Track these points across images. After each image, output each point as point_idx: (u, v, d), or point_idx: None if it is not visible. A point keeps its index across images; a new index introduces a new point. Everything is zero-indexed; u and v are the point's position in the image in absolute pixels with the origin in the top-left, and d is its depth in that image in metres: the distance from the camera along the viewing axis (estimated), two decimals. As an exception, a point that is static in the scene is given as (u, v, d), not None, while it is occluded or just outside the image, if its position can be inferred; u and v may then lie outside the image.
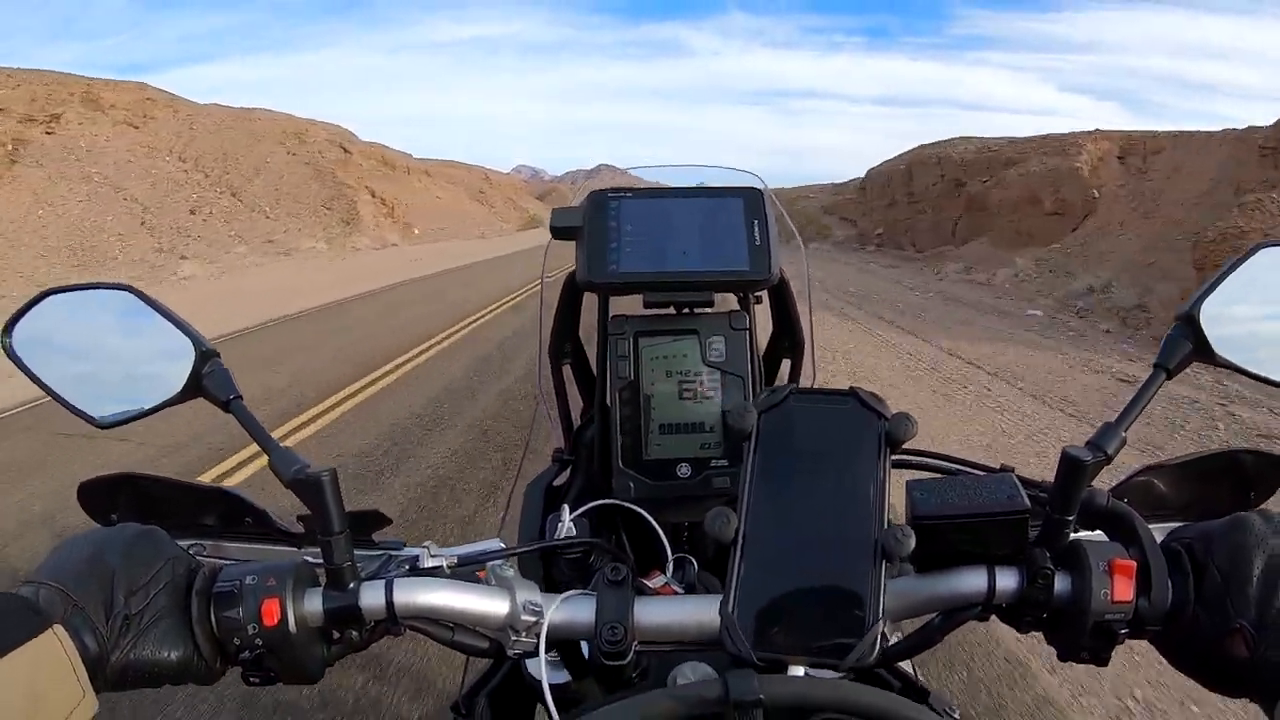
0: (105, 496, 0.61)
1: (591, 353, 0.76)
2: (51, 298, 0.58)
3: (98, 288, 0.58)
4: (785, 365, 0.85)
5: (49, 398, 0.55)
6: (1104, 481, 0.54)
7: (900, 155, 25.70)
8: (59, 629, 0.41)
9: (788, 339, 0.82)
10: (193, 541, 0.61)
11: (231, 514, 0.62)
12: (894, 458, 0.51)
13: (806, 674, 0.42)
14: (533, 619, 0.52)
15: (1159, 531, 0.52)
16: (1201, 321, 0.53)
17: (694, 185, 0.68)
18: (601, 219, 0.65)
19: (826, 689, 0.36)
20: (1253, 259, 0.56)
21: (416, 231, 31.22)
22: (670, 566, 0.61)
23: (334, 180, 25.85)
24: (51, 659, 0.40)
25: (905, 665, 0.65)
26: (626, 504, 0.65)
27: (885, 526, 0.45)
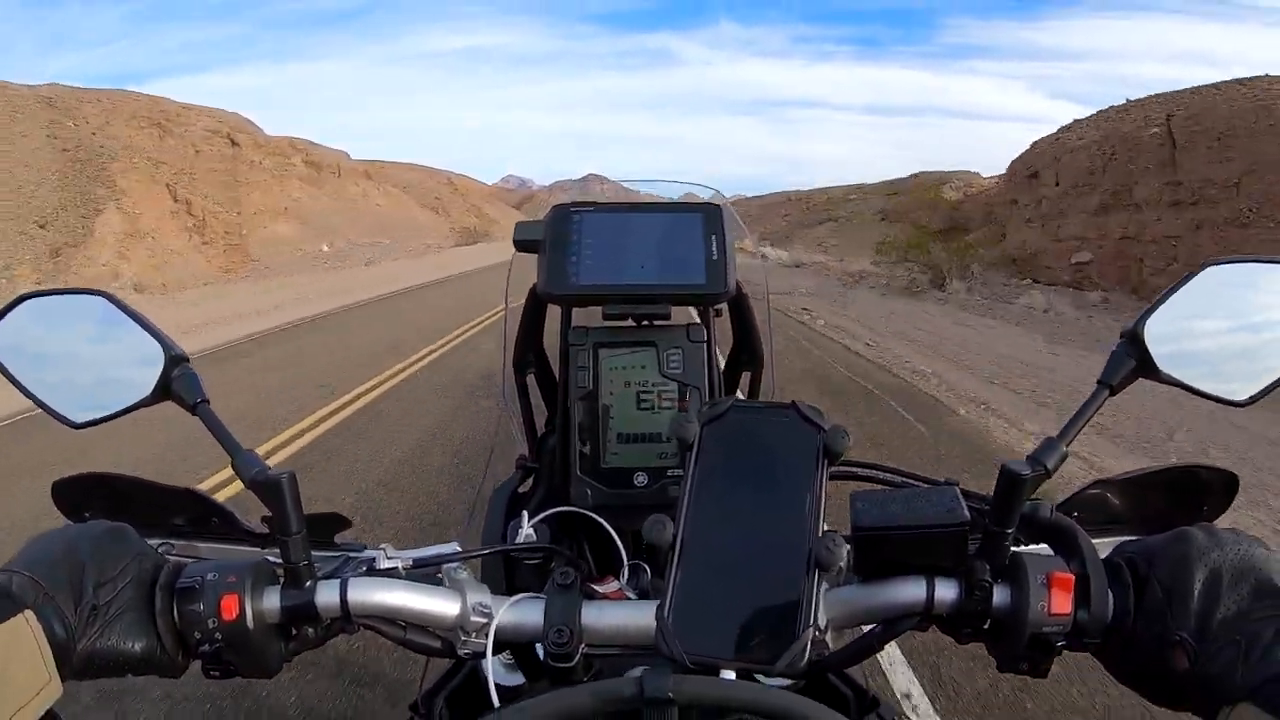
0: (78, 495, 0.62)
1: (556, 363, 0.78)
2: (28, 302, 0.60)
3: (73, 293, 0.60)
4: (746, 378, 0.86)
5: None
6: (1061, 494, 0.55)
7: (1086, 120, 15.65)
8: (29, 615, 0.43)
9: (747, 353, 0.83)
10: (161, 540, 0.63)
11: (199, 514, 0.63)
12: (841, 470, 0.52)
13: (727, 678, 0.43)
14: (483, 620, 0.53)
15: (1109, 545, 0.52)
16: (1145, 339, 0.54)
17: (657, 201, 0.69)
18: (563, 232, 0.66)
19: (737, 690, 0.37)
20: (1199, 276, 0.57)
21: (326, 248, 25.94)
22: (625, 573, 0.62)
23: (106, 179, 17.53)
24: (20, 643, 0.42)
25: (855, 673, 0.66)
26: (584, 511, 0.66)
27: (820, 536, 0.46)
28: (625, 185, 0.84)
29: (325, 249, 26.61)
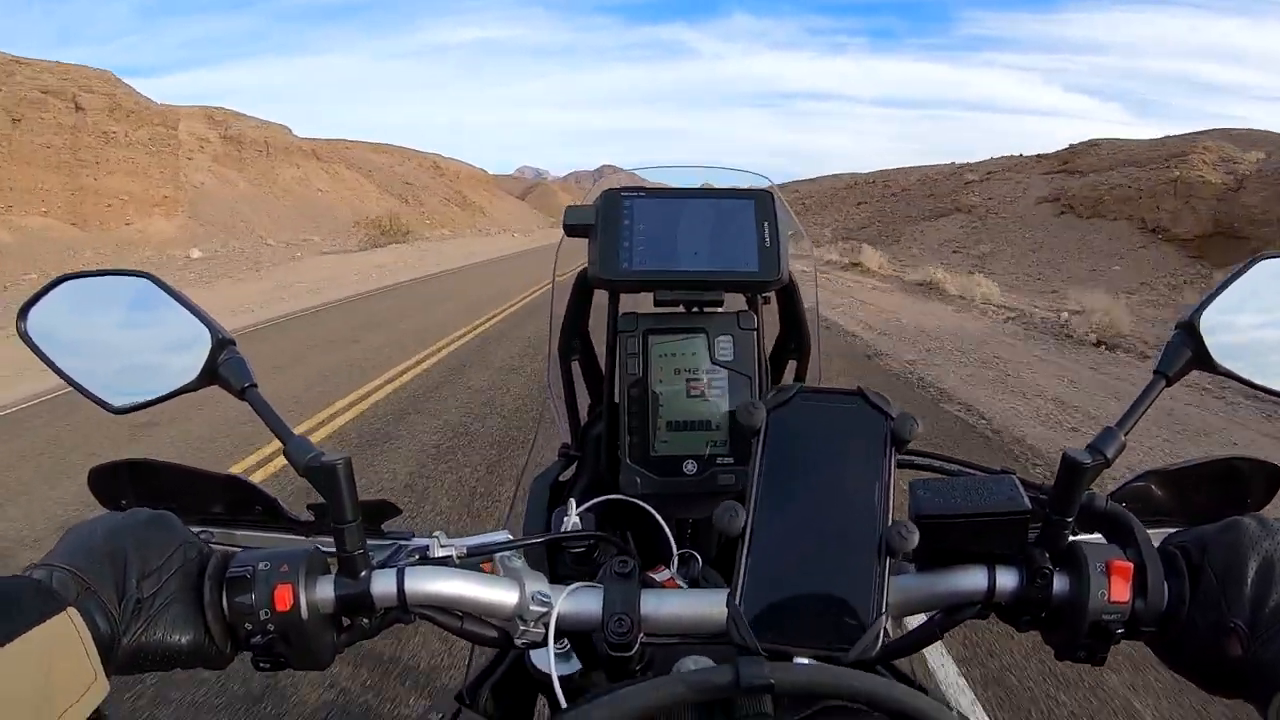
0: (116, 482, 0.61)
1: (600, 350, 0.77)
2: (67, 284, 0.58)
3: (115, 274, 0.59)
4: (791, 367, 0.86)
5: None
6: (1102, 488, 0.55)
7: None
8: (72, 612, 0.42)
9: (794, 340, 0.83)
10: (202, 529, 0.62)
11: (241, 502, 0.62)
12: (899, 458, 0.51)
13: (817, 664, 0.42)
14: (541, 609, 0.53)
15: (1155, 536, 0.53)
16: (1201, 330, 0.54)
17: (704, 186, 0.69)
18: (614, 217, 0.66)
19: (834, 677, 0.37)
20: (1253, 269, 0.57)
21: (197, 253, 18.79)
22: (675, 562, 0.62)
23: None
24: (64, 641, 0.41)
25: (903, 663, 0.66)
26: (633, 499, 0.66)
27: (889, 523, 0.46)
28: (653, 175, 0.81)
29: (195, 254, 19.55)
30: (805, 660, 0.43)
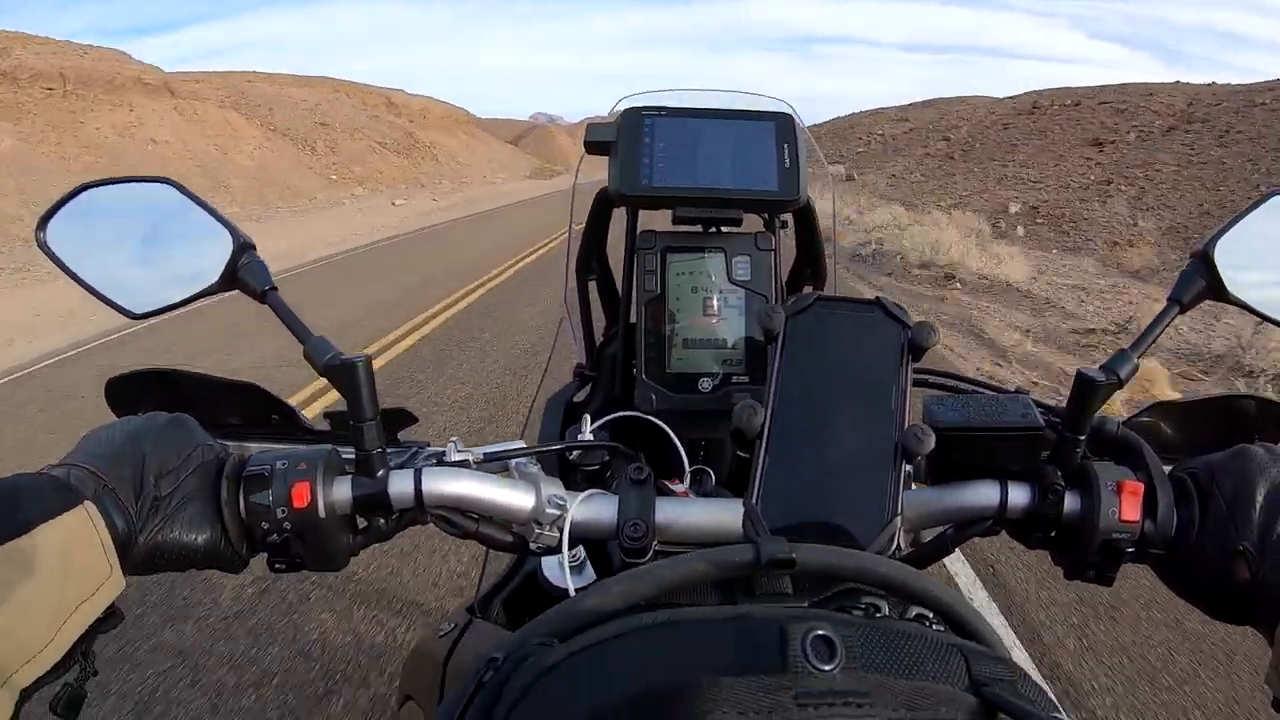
0: (134, 392, 0.61)
1: (617, 271, 0.77)
2: (88, 192, 0.58)
3: (136, 181, 0.59)
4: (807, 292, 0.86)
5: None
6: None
7: None
8: (89, 506, 0.42)
9: (811, 266, 0.83)
10: (219, 440, 0.62)
11: (258, 410, 0.62)
12: (914, 375, 0.52)
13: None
14: (557, 513, 0.53)
15: (1165, 466, 0.54)
16: (1216, 260, 0.54)
17: (728, 109, 0.68)
18: (635, 134, 0.66)
19: (856, 560, 0.37)
20: (1269, 202, 0.58)
21: None
22: (688, 478, 0.63)
23: None
24: (82, 534, 0.41)
25: None
26: (647, 415, 0.66)
27: (906, 427, 0.46)
28: (690, 93, 0.80)
29: None
30: None
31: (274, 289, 0.55)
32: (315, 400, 4.17)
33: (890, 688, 0.28)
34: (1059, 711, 0.31)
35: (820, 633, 0.29)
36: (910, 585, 0.37)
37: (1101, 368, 0.51)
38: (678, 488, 0.60)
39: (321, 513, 0.49)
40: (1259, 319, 0.57)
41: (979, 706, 0.29)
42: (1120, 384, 0.51)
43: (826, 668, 0.28)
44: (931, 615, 0.38)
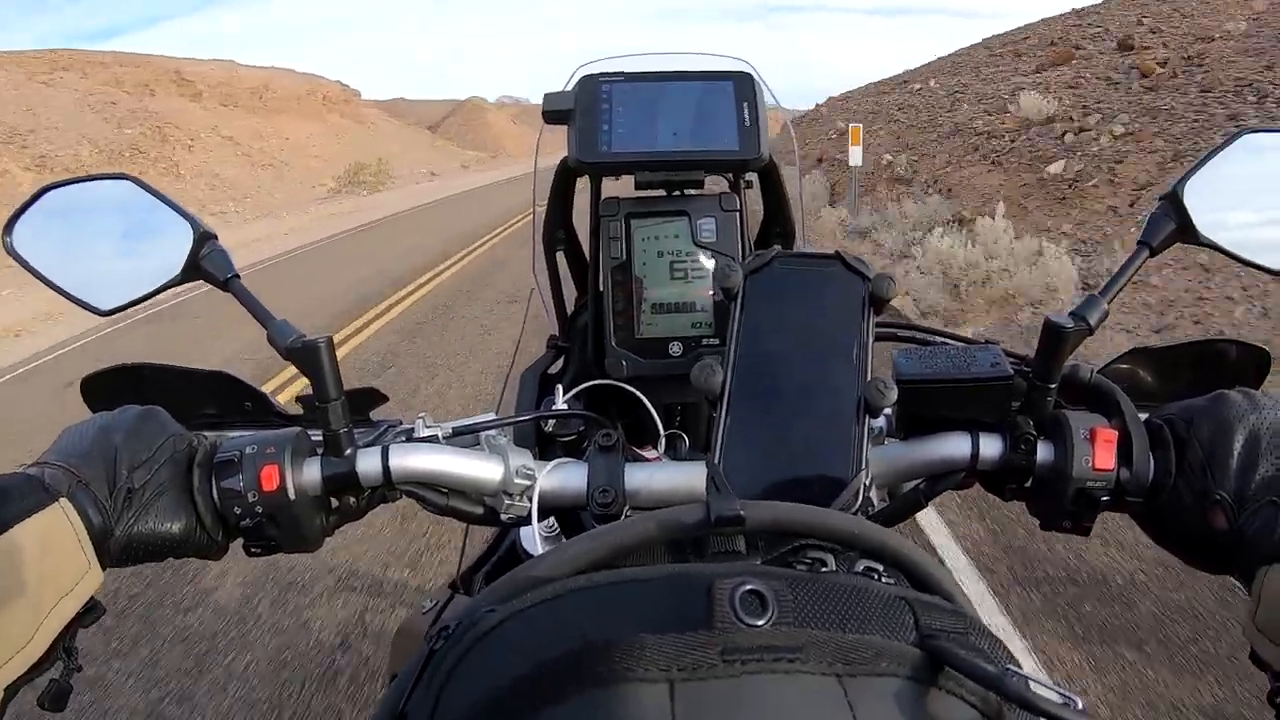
0: (108, 389, 0.62)
1: (585, 240, 0.77)
2: (50, 194, 0.59)
3: (96, 179, 0.59)
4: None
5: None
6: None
7: None
8: (65, 503, 0.43)
9: (778, 226, 0.82)
10: (194, 431, 0.62)
11: (231, 398, 0.63)
12: (882, 330, 0.52)
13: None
14: (526, 483, 0.53)
15: (1142, 413, 0.53)
16: (1185, 201, 0.54)
17: (686, 71, 0.67)
18: (592, 101, 0.65)
19: (808, 514, 0.37)
20: (1237, 142, 0.57)
21: None
22: (662, 444, 0.63)
23: None
24: (58, 531, 0.42)
25: None
26: (619, 383, 0.66)
27: (868, 380, 0.46)
28: (648, 58, 0.78)
29: None
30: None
31: (236, 276, 0.55)
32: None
33: (826, 641, 0.28)
34: (1012, 663, 0.30)
35: (750, 588, 0.29)
36: (862, 538, 0.37)
37: (1070, 314, 0.51)
38: (651, 454, 0.60)
39: (291, 494, 0.49)
40: (1231, 259, 0.57)
41: (923, 659, 0.28)
42: (1090, 330, 0.51)
43: (758, 623, 0.28)
44: (882, 569, 0.37)
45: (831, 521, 0.37)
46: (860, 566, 0.38)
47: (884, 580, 0.36)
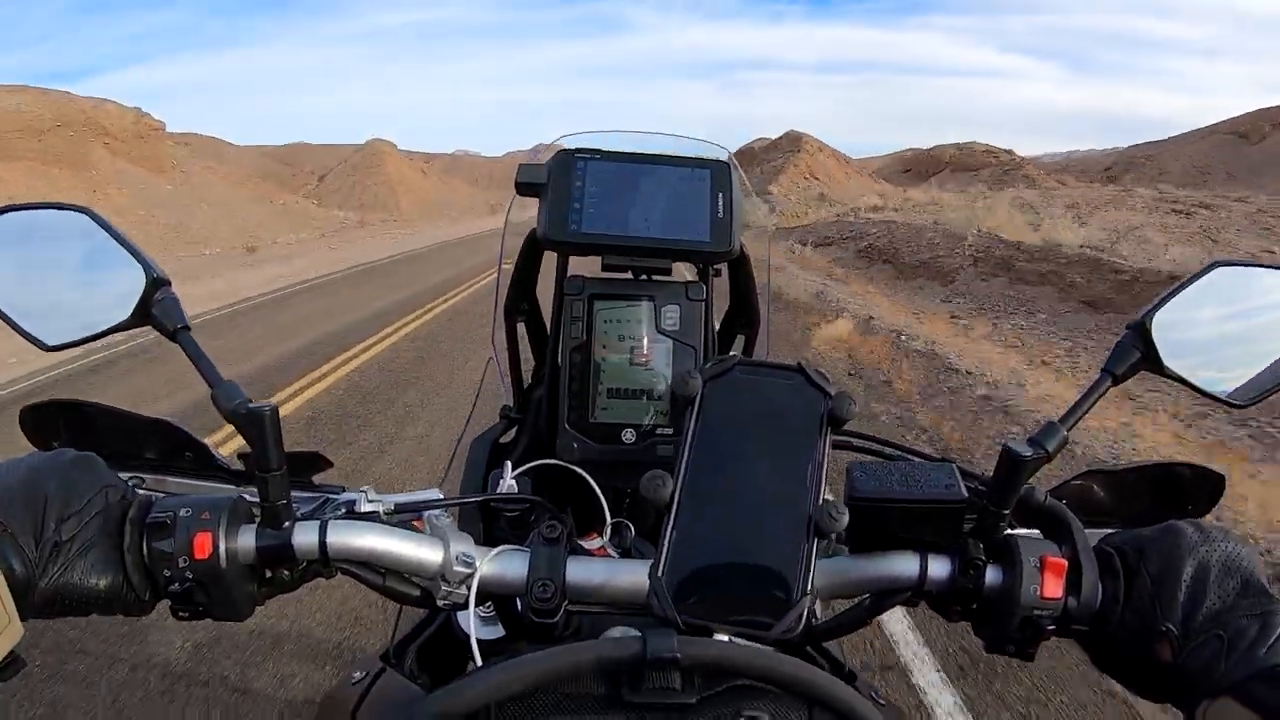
0: (47, 422, 0.60)
1: (548, 312, 0.76)
2: (6, 216, 0.57)
3: (53, 207, 0.57)
4: (740, 341, 0.86)
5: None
6: (1043, 485, 0.55)
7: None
8: None
9: (743, 316, 0.82)
10: (132, 475, 0.60)
11: (173, 447, 0.61)
12: (838, 439, 0.51)
13: (731, 641, 0.42)
14: (465, 570, 0.52)
15: (1093, 536, 0.52)
16: (1152, 332, 0.54)
17: (663, 154, 0.67)
18: (566, 178, 0.65)
19: (744, 654, 0.36)
20: (1208, 275, 0.57)
21: None
22: (608, 530, 0.61)
23: None
24: None
25: (833, 648, 0.66)
26: (569, 465, 0.65)
27: (820, 503, 0.45)
28: (629, 135, 0.79)
29: None
30: (724, 637, 0.42)
31: (186, 328, 0.53)
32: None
33: None
34: None
35: None
36: (803, 684, 0.36)
37: (1029, 441, 0.50)
38: (595, 543, 0.59)
39: (224, 564, 0.47)
40: (1195, 392, 0.56)
41: None
42: (1049, 457, 0.50)
43: None
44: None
45: (770, 663, 0.36)
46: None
47: None
